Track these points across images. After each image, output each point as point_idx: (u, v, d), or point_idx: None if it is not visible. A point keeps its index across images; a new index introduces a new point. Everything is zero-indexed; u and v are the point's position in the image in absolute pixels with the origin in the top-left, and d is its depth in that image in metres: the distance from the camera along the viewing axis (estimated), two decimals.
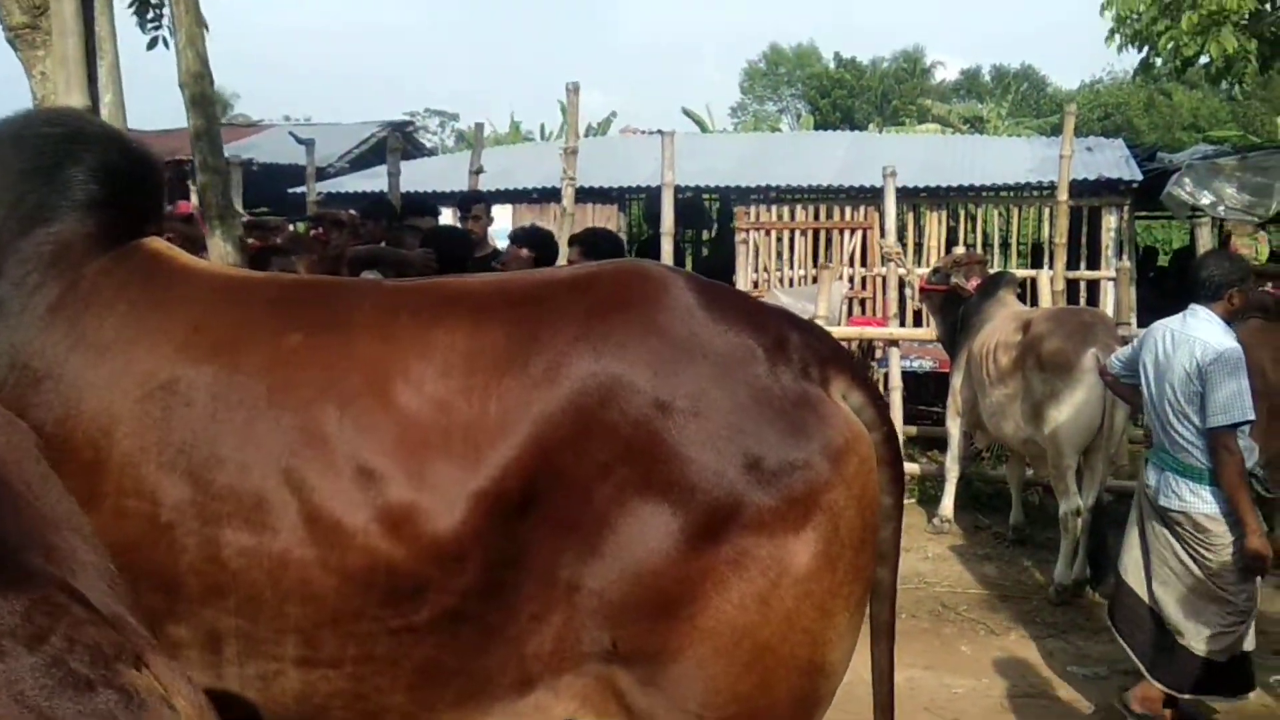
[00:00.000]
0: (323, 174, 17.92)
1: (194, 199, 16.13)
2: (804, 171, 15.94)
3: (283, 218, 10.93)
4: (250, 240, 7.33)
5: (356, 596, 2.07)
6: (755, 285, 14.75)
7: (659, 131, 10.33)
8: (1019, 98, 38.90)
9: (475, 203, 8.65)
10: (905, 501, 8.85)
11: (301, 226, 10.99)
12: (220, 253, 3.61)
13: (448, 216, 10.34)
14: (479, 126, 11.13)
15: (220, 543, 2.07)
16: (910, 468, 9.28)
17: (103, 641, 0.97)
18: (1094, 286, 13.84)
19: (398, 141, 11.99)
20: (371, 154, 18.97)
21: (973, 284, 8.14)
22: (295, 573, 2.06)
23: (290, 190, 15.57)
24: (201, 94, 3.69)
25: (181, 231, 9.13)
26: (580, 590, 2.08)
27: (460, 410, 2.09)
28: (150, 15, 8.63)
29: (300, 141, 12.67)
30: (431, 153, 24.83)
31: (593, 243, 5.92)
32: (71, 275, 2.24)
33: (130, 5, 8.77)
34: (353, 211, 8.91)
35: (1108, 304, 12.30)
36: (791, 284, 14.20)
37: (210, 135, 3.66)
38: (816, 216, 15.08)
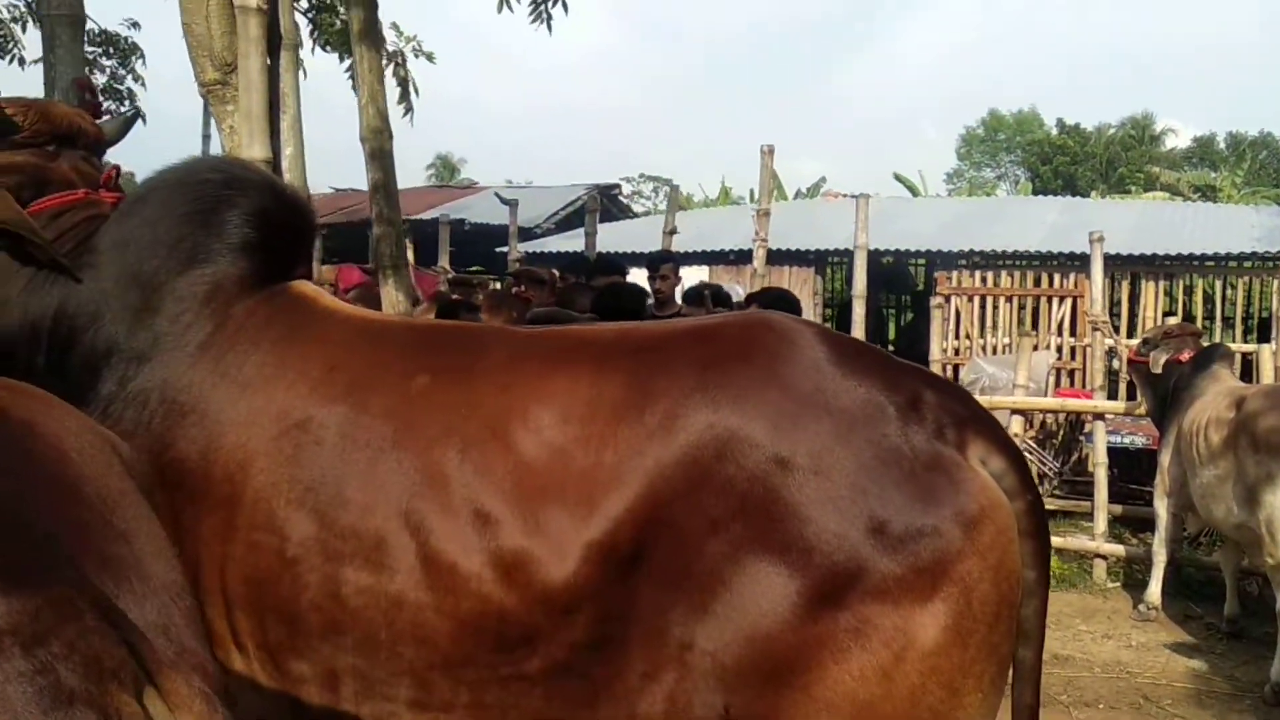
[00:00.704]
0: (529, 234, 18.59)
1: (410, 257, 16.92)
2: (1012, 237, 15.46)
3: (487, 275, 11.30)
4: (454, 295, 7.59)
5: (468, 641, 2.05)
6: (956, 353, 14.34)
7: (860, 195, 10.15)
8: (1256, 165, 36.79)
9: (664, 262, 8.68)
10: (1109, 585, 8.43)
11: (505, 284, 11.33)
12: (392, 301, 3.72)
13: (638, 276, 10.44)
14: (674, 188, 11.25)
15: (340, 580, 2.10)
16: (1116, 549, 8.78)
17: (104, 655, 0.95)
18: None
19: (595, 203, 12.19)
20: (576, 216, 19.53)
21: (1185, 356, 7.66)
22: (410, 614, 2.07)
23: (497, 250, 16.12)
24: (380, 149, 3.85)
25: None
26: (692, 650, 2.00)
27: (577, 458, 2.06)
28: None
29: (505, 202, 13.11)
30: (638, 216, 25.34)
31: (768, 302, 5.84)
32: (221, 314, 2.34)
33: (345, 71, 9.33)
34: (554, 270, 9.09)
35: None
36: (994, 352, 13.72)
37: (387, 189, 3.80)
38: (1023, 283, 14.54)
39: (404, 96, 9.60)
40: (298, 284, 2.47)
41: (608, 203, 22.55)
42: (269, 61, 3.39)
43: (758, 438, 1.99)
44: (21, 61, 10.36)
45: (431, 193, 22.46)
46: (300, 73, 8.59)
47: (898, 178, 29.33)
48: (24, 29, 10.24)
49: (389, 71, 9.41)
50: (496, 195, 15.78)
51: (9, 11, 10.39)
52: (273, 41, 3.42)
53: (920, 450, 2.00)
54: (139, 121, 2.95)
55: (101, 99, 2.98)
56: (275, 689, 2.22)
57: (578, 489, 2.03)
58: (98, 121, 2.76)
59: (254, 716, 2.30)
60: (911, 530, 1.94)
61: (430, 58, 9.75)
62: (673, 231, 10.98)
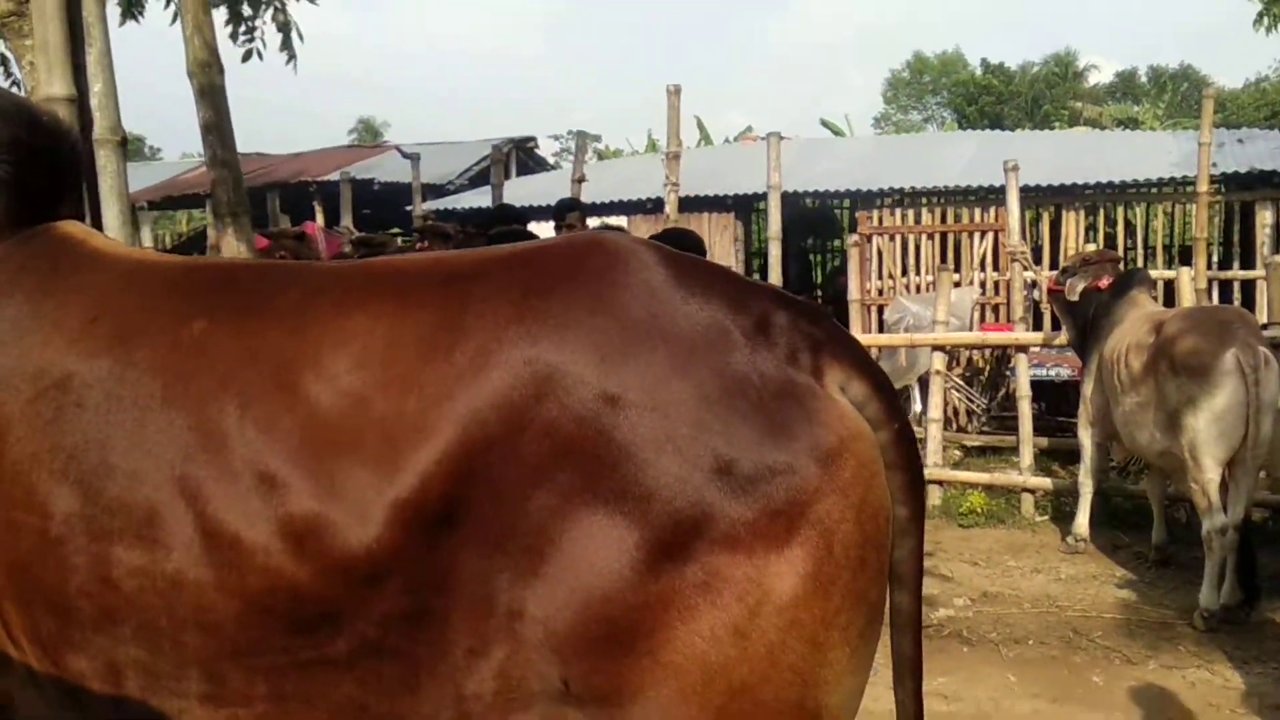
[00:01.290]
0: (443, 191, 18.11)
1: (319, 219, 16.43)
2: (932, 173, 15.31)
3: (389, 234, 10.90)
4: (358, 256, 7.25)
5: (258, 624, 1.78)
6: (880, 293, 14.21)
7: (771, 134, 9.86)
8: (1178, 99, 37.18)
9: (569, 210, 8.37)
10: (1038, 519, 8.39)
11: (409, 241, 10.93)
12: (233, 251, 3.36)
13: (545, 229, 10.12)
14: (580, 134, 10.86)
15: (111, 561, 1.81)
16: (1043, 482, 8.71)
17: None
18: (1248, 287, 12.90)
19: (500, 154, 11.78)
20: (490, 172, 19.07)
21: (1104, 283, 7.51)
22: (190, 596, 1.79)
23: (407, 209, 15.69)
24: (210, 84, 3.48)
25: (292, 249, 9.24)
26: (522, 618, 1.72)
27: (376, 407, 1.76)
28: (244, 29, 8.72)
29: (405, 156, 12.65)
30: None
31: (670, 242, 5.54)
32: None
33: (226, 23, 8.86)
34: (458, 225, 8.78)
35: (1262, 306, 11.35)
36: (918, 291, 13.59)
37: (220, 129, 3.43)
38: (944, 219, 14.41)
39: (286, 43, 9.13)
40: (63, 224, 2.13)
41: (524, 156, 22.09)
42: None
43: (582, 373, 1.71)
44: None
45: (340, 153, 21.76)
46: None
47: (824, 123, 29.06)
48: None
49: (268, 15, 8.95)
50: (399, 150, 15.26)
51: None
52: None
53: (770, 378, 1.73)
54: None
55: None
56: (54, 688, 1.92)
57: (378, 442, 1.73)
58: None
59: (35, 717, 2.00)
60: (762, 468, 1.67)
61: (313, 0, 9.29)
62: (580, 179, 10.61)
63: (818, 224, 20.63)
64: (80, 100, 3.02)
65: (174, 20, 7.04)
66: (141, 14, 8.85)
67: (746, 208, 16.75)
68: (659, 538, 1.66)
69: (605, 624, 1.68)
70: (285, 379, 1.79)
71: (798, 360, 1.76)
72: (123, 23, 8.56)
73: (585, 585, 1.68)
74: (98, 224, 3.08)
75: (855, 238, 13.67)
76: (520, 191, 15.11)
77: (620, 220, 14.85)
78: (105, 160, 3.09)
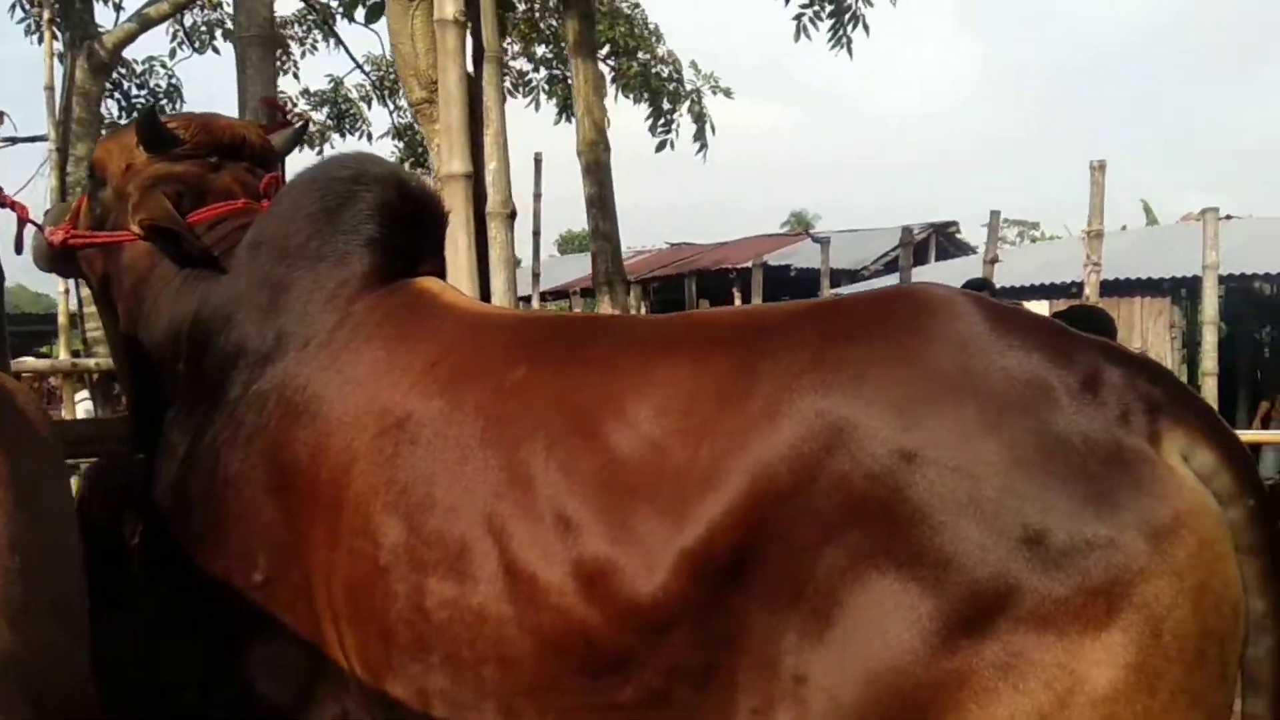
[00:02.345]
0: (856, 277, 18.13)
1: (736, 303, 16.93)
2: None
3: None
4: None
5: (552, 663, 1.80)
6: None
7: (1207, 210, 9.05)
8: None
9: (978, 290, 8.09)
10: None
11: None
12: None
13: None
14: (994, 214, 10.48)
15: (425, 592, 1.91)
16: None
17: None
18: None
19: (910, 238, 11.62)
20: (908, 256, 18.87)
21: None
22: (492, 630, 1.85)
23: (818, 294, 15.84)
24: (595, 161, 3.70)
25: None
26: (807, 684, 1.64)
27: (672, 454, 1.76)
28: (661, 121, 9.28)
29: (816, 241, 12.78)
30: None
31: (1072, 320, 5.18)
32: (342, 311, 2.25)
33: (647, 117, 9.46)
34: None
35: None
36: None
37: (603, 202, 3.64)
38: None
39: (699, 134, 9.57)
40: (422, 280, 2.33)
41: (944, 240, 21.73)
42: (469, 74, 3.32)
43: (877, 426, 1.62)
44: None
45: (761, 241, 22.38)
46: (507, 85, 9.01)
47: None
48: (218, 51, 11.16)
49: (684, 108, 9.44)
50: (810, 237, 15.45)
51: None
52: (475, 55, 3.36)
53: (1095, 441, 1.55)
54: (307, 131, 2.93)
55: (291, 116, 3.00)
56: (379, 713, 2.06)
57: (671, 490, 1.73)
58: (270, 134, 2.76)
59: None
60: (1078, 541, 1.50)
61: (728, 93, 9.68)
62: (993, 260, 10.22)
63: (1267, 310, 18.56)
64: (476, 176, 3.32)
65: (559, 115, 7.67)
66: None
67: (1190, 292, 15.39)
68: (956, 610, 1.53)
69: (894, 699, 1.57)
70: (589, 424, 1.84)
71: (1130, 422, 1.58)
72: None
73: (874, 655, 1.58)
74: (486, 293, 3.35)
75: None
76: (930, 276, 14.82)
77: (1038, 305, 14.15)
78: (495, 231, 3.37)
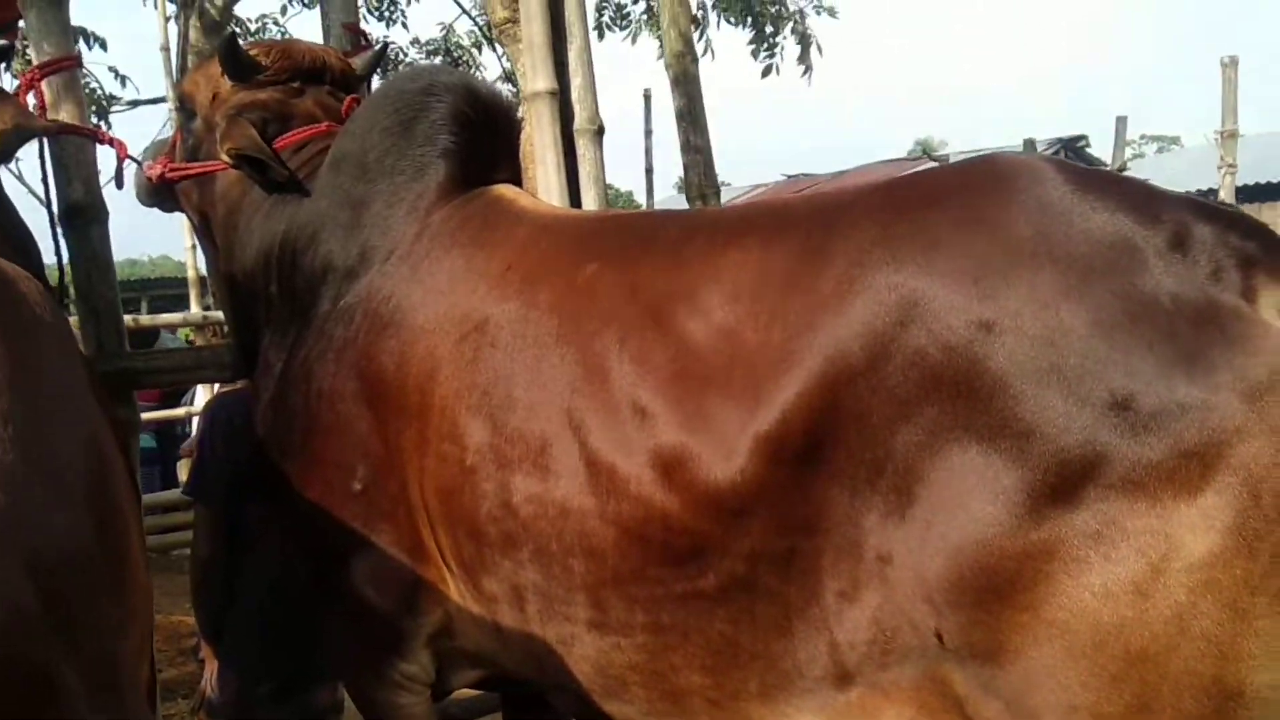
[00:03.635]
0: None
1: None
2: None
3: None
4: None
5: (635, 553, 1.82)
6: None
7: None
8: None
9: None
10: None
11: None
12: None
13: None
14: (1120, 120, 10.05)
15: (512, 488, 1.95)
16: None
17: None
18: None
19: (1033, 151, 11.24)
20: None
21: None
22: (575, 523, 1.88)
23: None
24: (684, 72, 3.64)
25: None
26: (892, 563, 1.62)
27: (745, 339, 1.74)
28: (765, 45, 9.10)
29: (934, 161, 12.46)
30: None
31: None
32: (421, 223, 2.28)
33: (750, 41, 9.29)
34: None
35: None
36: None
37: (693, 115, 3.58)
38: None
39: (804, 56, 9.37)
40: (498, 187, 2.35)
41: (1073, 156, 20.89)
42: None
43: (952, 297, 1.57)
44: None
45: (879, 168, 21.86)
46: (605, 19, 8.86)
47: None
48: None
49: (787, 29, 9.24)
50: (929, 157, 15.03)
51: None
52: None
53: (1186, 300, 1.48)
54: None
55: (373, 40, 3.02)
56: (477, 612, 2.10)
57: (744, 375, 1.72)
58: (351, 58, 2.79)
59: (473, 645, 2.20)
60: (1169, 404, 1.44)
61: (832, 12, 9.43)
62: (1121, 170, 9.84)
63: None
64: (562, 94, 3.30)
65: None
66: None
67: None
68: (1042, 479, 1.49)
69: (980, 573, 1.54)
70: (661, 314, 1.84)
71: (1222, 279, 1.50)
72: (601, 37, 9.33)
73: (957, 530, 1.55)
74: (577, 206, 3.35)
75: None
76: None
77: None
78: (584, 149, 3.35)
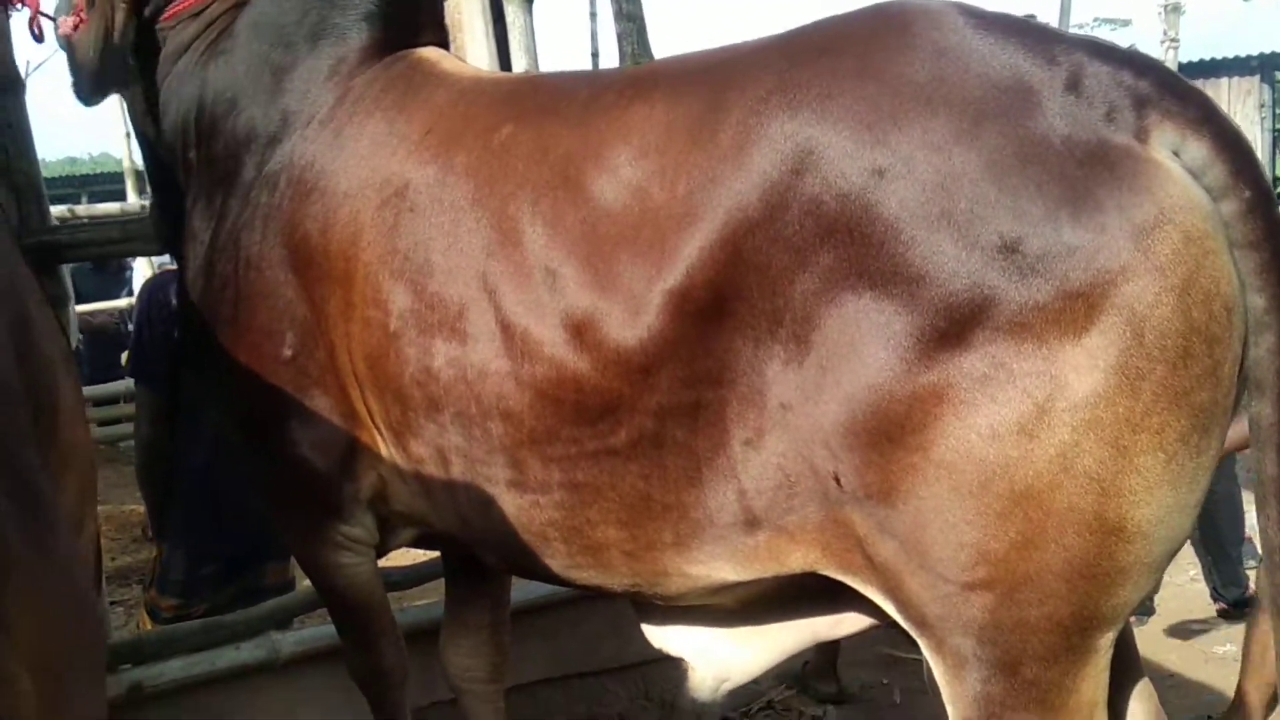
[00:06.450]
0: None
1: None
2: None
3: None
4: None
5: (549, 414, 1.87)
6: None
7: None
8: None
9: None
10: None
11: None
12: None
13: None
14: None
15: (432, 353, 1.98)
16: None
17: None
18: None
19: None
20: None
21: None
22: (493, 385, 1.91)
23: None
24: None
25: None
26: (793, 410, 1.66)
27: (651, 196, 1.75)
28: None
29: None
30: None
31: None
32: (343, 87, 2.26)
33: None
34: None
35: None
36: None
37: None
38: None
39: None
40: (421, 50, 2.32)
41: None
42: None
43: (845, 144, 1.58)
44: None
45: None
46: None
47: None
48: None
49: None
50: None
51: None
52: None
53: (1076, 141, 1.50)
54: None
55: None
56: (407, 473, 2.14)
57: (650, 232, 1.74)
58: None
59: (404, 506, 2.24)
60: (1056, 245, 1.47)
61: None
62: None
63: None
64: None
65: None
66: None
67: (1266, 69, 14.62)
68: (931, 324, 1.53)
69: (872, 417, 1.58)
70: (571, 175, 1.85)
71: (1114, 120, 1.51)
72: None
73: (850, 375, 1.59)
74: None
75: None
76: None
77: None
78: (513, 16, 3.30)
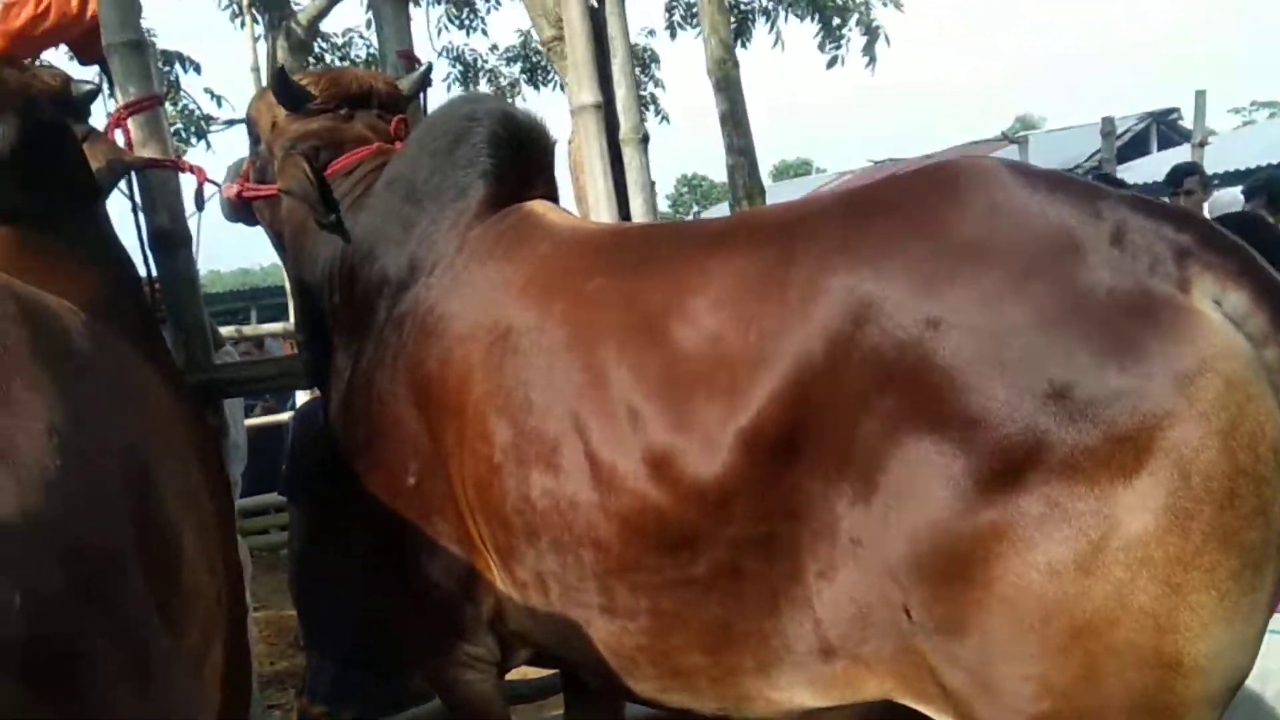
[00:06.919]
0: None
1: None
2: None
3: None
4: None
5: (633, 543, 2.00)
6: None
7: None
8: None
9: (1186, 175, 7.71)
10: None
11: None
12: None
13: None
14: (1199, 94, 9.80)
15: (530, 483, 2.14)
16: None
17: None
18: None
19: (1109, 127, 10.99)
20: (1128, 148, 17.95)
21: None
22: (583, 516, 2.06)
23: None
24: (725, 78, 3.78)
25: None
26: (862, 545, 1.77)
27: (726, 344, 1.91)
28: (831, 39, 9.18)
29: (1012, 141, 12.33)
30: None
31: (1233, 227, 4.89)
32: (461, 238, 2.48)
33: (816, 34, 9.39)
34: None
35: None
36: None
37: (735, 118, 3.72)
38: None
39: (869, 47, 9.41)
40: (531, 203, 2.53)
41: (1166, 129, 20.47)
42: (592, 6, 3.48)
43: (903, 298, 1.71)
44: None
45: (966, 149, 21.71)
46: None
47: None
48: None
49: (852, 21, 9.30)
50: (1008, 140, 14.80)
51: None
52: None
53: (1121, 293, 1.59)
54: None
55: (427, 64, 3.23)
56: (514, 597, 2.29)
57: (726, 377, 1.89)
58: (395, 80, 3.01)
59: (516, 626, 2.38)
60: (1104, 392, 1.56)
61: (898, 5, 9.45)
62: (1202, 144, 9.63)
63: None
64: (607, 106, 3.49)
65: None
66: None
67: None
68: (989, 465, 1.62)
69: (936, 554, 1.67)
70: (654, 323, 2.02)
71: (1158, 271, 1.61)
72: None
73: (914, 514, 1.69)
74: (626, 217, 3.54)
75: None
76: (1144, 169, 14.03)
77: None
78: (630, 157, 3.54)
